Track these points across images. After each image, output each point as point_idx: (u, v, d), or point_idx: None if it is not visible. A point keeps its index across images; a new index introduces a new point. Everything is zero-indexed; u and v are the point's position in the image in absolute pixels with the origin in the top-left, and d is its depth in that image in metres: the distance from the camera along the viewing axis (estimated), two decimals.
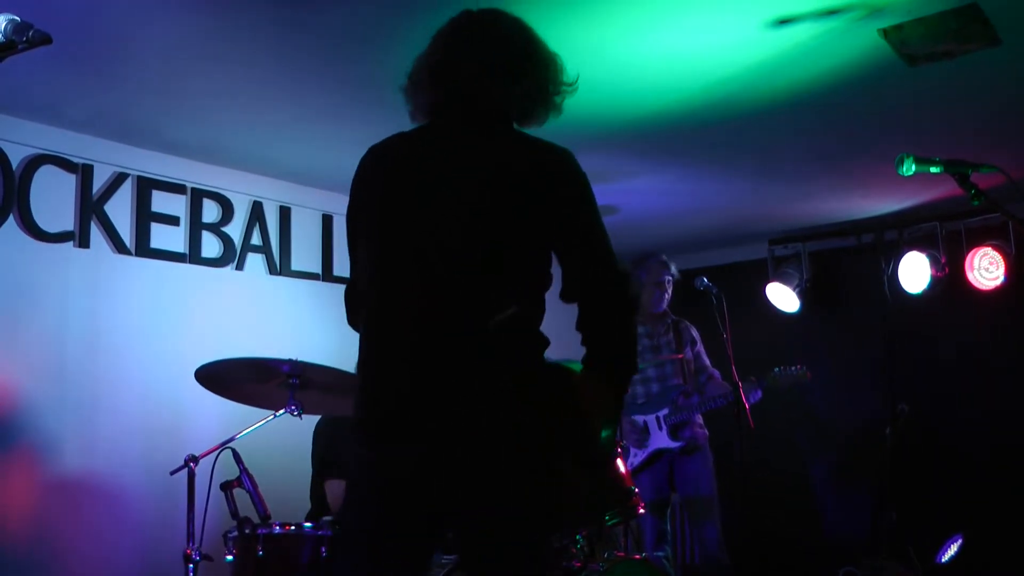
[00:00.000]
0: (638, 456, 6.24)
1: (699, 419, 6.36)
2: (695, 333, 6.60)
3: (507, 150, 2.73)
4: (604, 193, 6.75)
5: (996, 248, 7.06)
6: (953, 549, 6.77)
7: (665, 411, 6.20)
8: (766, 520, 7.06)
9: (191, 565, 4.30)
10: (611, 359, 2.71)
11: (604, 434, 2.78)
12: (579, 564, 4.75)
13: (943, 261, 7.31)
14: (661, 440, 6.22)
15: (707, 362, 6.57)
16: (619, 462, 5.03)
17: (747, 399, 6.03)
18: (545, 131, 5.28)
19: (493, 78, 2.75)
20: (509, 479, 2.58)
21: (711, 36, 4.33)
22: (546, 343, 2.73)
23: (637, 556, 4.97)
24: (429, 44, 2.84)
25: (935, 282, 7.30)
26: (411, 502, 2.61)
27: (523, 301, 2.67)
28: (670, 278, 6.43)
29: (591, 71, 4.66)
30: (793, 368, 6.21)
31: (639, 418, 6.27)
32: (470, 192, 2.63)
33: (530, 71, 2.82)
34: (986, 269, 7.13)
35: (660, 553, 6.16)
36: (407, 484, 2.60)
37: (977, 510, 7.08)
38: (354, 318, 2.89)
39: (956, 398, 7.44)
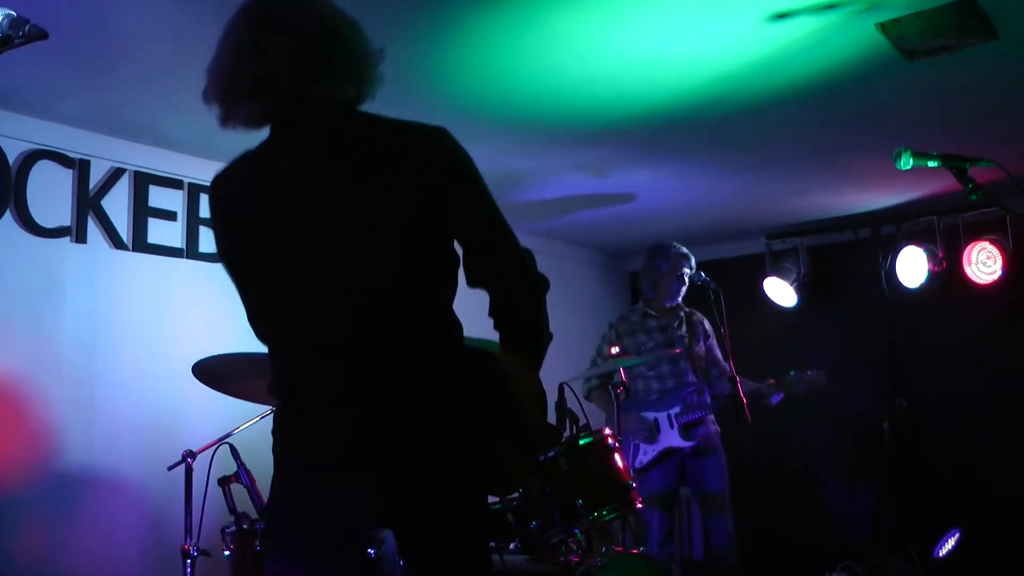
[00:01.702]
0: (647, 454, 6.19)
1: (712, 416, 6.30)
2: (708, 327, 6.54)
3: (374, 141, 2.54)
4: (601, 187, 6.78)
5: (994, 243, 7.08)
6: (950, 543, 6.80)
7: (676, 409, 6.12)
8: (765, 515, 7.08)
9: (189, 560, 4.32)
10: (529, 342, 2.64)
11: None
12: (577, 559, 4.76)
13: (940, 255, 7.33)
14: (672, 439, 6.14)
15: (719, 356, 6.50)
16: (617, 456, 5.04)
17: (770, 401, 6.05)
18: (543, 126, 5.30)
19: (328, 74, 2.53)
20: (451, 477, 2.51)
21: (709, 31, 4.32)
22: (462, 329, 2.65)
23: (635, 551, 4.96)
24: (228, 45, 2.61)
25: (932, 276, 7.32)
26: (346, 505, 2.51)
27: (442, 292, 2.60)
28: (689, 271, 6.35)
29: (589, 66, 4.68)
30: (810, 372, 6.14)
31: (649, 415, 6.20)
32: (356, 198, 2.48)
33: (352, 53, 2.58)
34: (984, 263, 7.15)
35: (665, 550, 6.14)
36: (342, 485, 2.50)
37: (975, 505, 7.10)
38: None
39: (954, 392, 7.46)
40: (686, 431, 6.09)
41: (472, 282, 2.61)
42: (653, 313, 6.06)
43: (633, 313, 6.50)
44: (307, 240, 2.49)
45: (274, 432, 2.61)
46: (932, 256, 7.31)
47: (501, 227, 2.60)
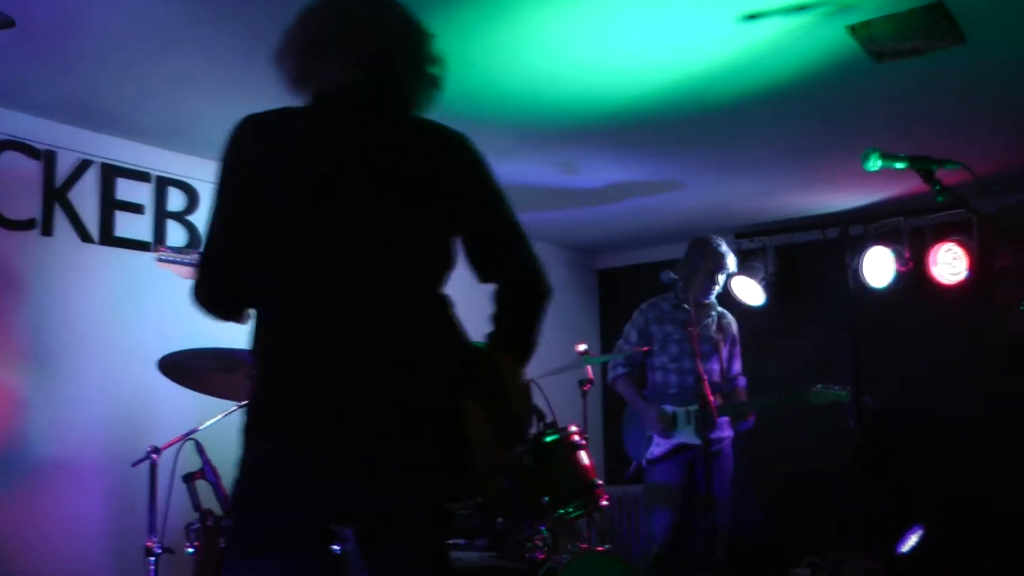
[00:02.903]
0: (660, 447, 6.16)
1: (727, 420, 6.26)
2: (735, 331, 6.48)
3: (409, 135, 2.66)
4: (571, 184, 6.77)
5: (959, 243, 7.11)
6: (913, 540, 6.83)
7: (695, 406, 5.85)
8: (743, 513, 7.08)
9: (152, 558, 4.29)
10: (523, 339, 2.73)
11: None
12: (543, 556, 4.76)
13: (907, 256, 7.36)
14: (687, 435, 6.09)
15: (739, 367, 6.46)
16: (583, 453, 5.04)
17: (740, 426, 6.05)
18: (513, 123, 5.30)
19: (406, 62, 2.67)
20: (426, 477, 2.53)
21: (681, 31, 4.33)
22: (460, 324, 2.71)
23: (601, 548, 4.97)
24: (335, 7, 2.67)
25: (899, 276, 7.35)
26: (318, 496, 2.47)
27: (439, 283, 2.65)
28: (726, 271, 6.26)
29: (559, 64, 4.69)
30: (835, 387, 6.08)
31: (668, 408, 6.15)
32: (380, 181, 2.54)
33: (427, 57, 2.72)
34: (949, 264, 7.19)
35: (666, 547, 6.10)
36: (326, 480, 2.46)
37: (939, 502, 7.14)
38: (215, 292, 2.72)
39: (920, 391, 7.49)
40: (702, 430, 6.01)
41: (486, 277, 2.72)
42: (686, 306, 5.75)
43: (665, 301, 6.35)
44: (333, 209, 2.51)
45: (251, 412, 2.56)
46: (899, 256, 7.34)
47: (519, 228, 2.77)
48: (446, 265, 2.66)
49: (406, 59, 2.68)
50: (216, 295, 2.72)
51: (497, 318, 2.73)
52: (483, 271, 2.73)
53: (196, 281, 2.72)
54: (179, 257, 4.03)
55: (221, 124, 2.60)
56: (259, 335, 2.58)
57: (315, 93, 2.63)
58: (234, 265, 2.62)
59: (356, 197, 2.52)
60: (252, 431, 2.52)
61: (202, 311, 2.75)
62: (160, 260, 4.02)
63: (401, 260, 2.55)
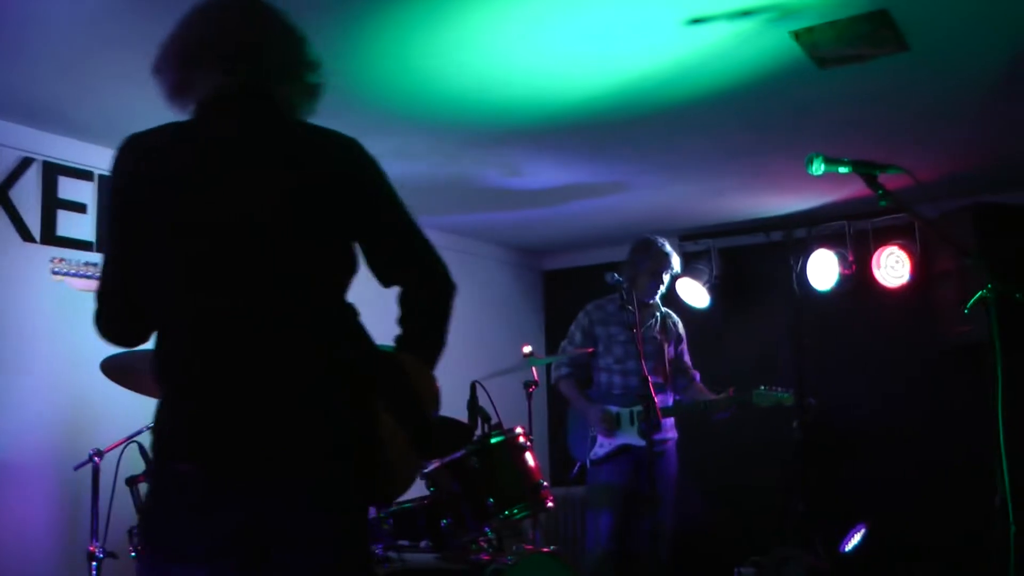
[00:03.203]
0: (604, 447, 6.18)
1: (671, 421, 6.31)
2: (682, 330, 6.55)
3: (299, 141, 2.61)
4: (515, 186, 6.78)
5: (902, 247, 7.21)
6: (856, 538, 6.91)
7: (640, 408, 5.87)
8: (677, 511, 7.10)
9: (95, 563, 4.25)
10: (430, 341, 2.73)
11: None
12: (487, 557, 4.77)
13: (850, 259, 7.44)
14: (630, 436, 6.12)
15: (688, 361, 6.52)
16: (528, 455, 5.05)
17: (716, 416, 6.07)
18: (456, 125, 5.29)
19: (287, 68, 2.66)
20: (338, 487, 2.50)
21: (626, 34, 4.34)
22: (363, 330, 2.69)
23: (546, 549, 4.98)
24: (204, 15, 2.64)
25: (843, 279, 7.43)
26: (235, 517, 2.43)
27: (342, 288, 2.63)
28: (670, 271, 6.31)
29: (503, 65, 4.69)
30: (778, 389, 6.13)
31: (613, 408, 6.18)
32: (273, 192, 2.50)
33: (307, 63, 2.71)
34: (892, 267, 7.28)
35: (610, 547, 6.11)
36: (235, 499, 2.43)
37: (882, 501, 7.23)
38: (114, 329, 2.66)
39: (863, 392, 7.59)
40: (646, 431, 5.99)
41: (391, 278, 2.71)
42: (631, 307, 5.68)
43: (610, 303, 6.38)
44: (212, 224, 2.47)
45: (156, 433, 2.52)
46: (842, 259, 7.42)
47: (417, 229, 2.73)
48: (348, 271, 2.64)
49: (287, 65, 2.66)
50: (118, 331, 2.67)
51: (404, 320, 2.72)
52: (385, 274, 2.72)
53: (97, 313, 2.65)
54: (76, 270, 4.01)
55: (165, 122, 2.59)
56: (160, 356, 2.53)
57: (198, 103, 2.59)
58: (133, 297, 2.58)
59: (249, 210, 2.48)
60: (159, 452, 2.50)
61: (108, 343, 2.71)
62: (55, 273, 4.01)
63: (301, 271, 2.52)
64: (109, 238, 2.64)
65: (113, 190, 2.56)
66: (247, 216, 2.47)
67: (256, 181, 2.50)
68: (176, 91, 2.60)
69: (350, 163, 2.62)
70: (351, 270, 2.64)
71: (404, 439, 2.65)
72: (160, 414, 2.51)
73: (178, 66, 2.58)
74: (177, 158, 2.53)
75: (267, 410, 2.43)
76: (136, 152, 2.56)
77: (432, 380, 2.75)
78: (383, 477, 2.62)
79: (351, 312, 2.64)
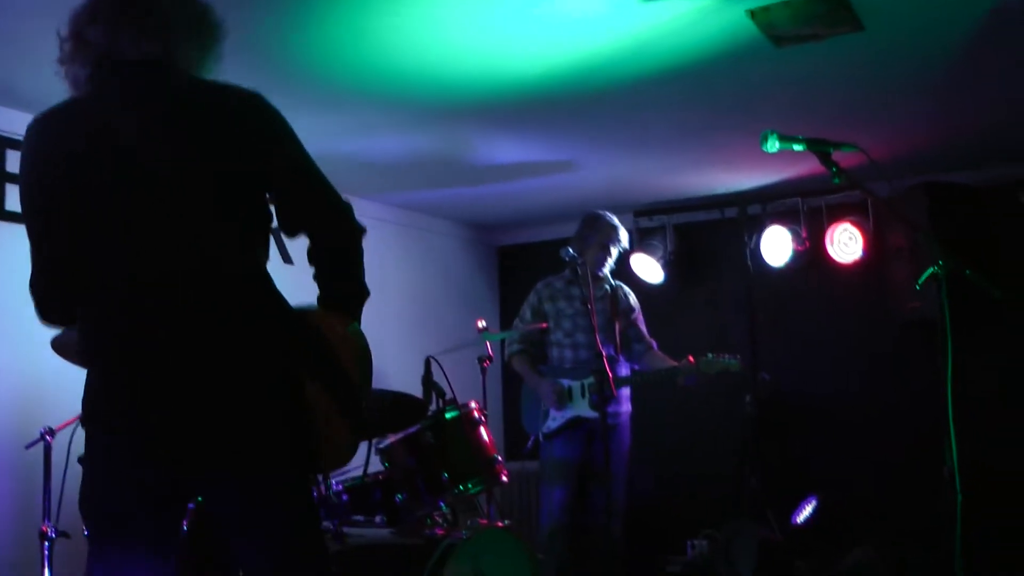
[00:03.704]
0: (556, 420, 6.19)
1: (625, 393, 6.33)
2: (634, 301, 6.56)
3: (202, 99, 2.61)
4: (468, 161, 6.78)
5: (855, 224, 7.28)
6: (808, 510, 7.00)
7: (591, 380, 5.96)
8: (630, 486, 7.15)
9: (47, 542, 4.22)
10: (349, 293, 2.74)
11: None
12: (442, 532, 4.79)
13: (804, 236, 7.49)
14: (582, 408, 6.13)
15: (645, 331, 6.53)
16: (483, 430, 5.07)
17: (684, 381, 6.08)
18: (409, 100, 5.26)
19: (189, 32, 2.68)
20: (267, 439, 2.53)
21: (581, 9, 4.33)
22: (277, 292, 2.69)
23: (500, 524, 5.01)
24: None
25: (796, 256, 7.49)
26: (165, 480, 2.54)
27: (258, 250, 2.65)
28: (617, 245, 6.34)
29: (456, 40, 4.67)
30: (725, 356, 6.08)
31: (564, 382, 6.19)
32: (180, 151, 2.53)
33: (209, 26, 2.73)
34: (845, 244, 7.35)
35: (563, 521, 6.14)
36: (155, 461, 2.51)
37: (834, 474, 7.32)
38: (49, 309, 2.75)
39: (816, 367, 7.67)
40: (597, 403, 5.90)
41: (295, 228, 2.70)
42: (582, 282, 5.74)
43: (559, 279, 6.43)
44: (124, 191, 2.51)
45: (84, 401, 2.62)
46: (796, 236, 7.48)
47: (320, 177, 2.72)
48: (260, 226, 2.65)
49: (186, 26, 2.67)
50: (49, 311, 2.75)
51: (319, 275, 2.72)
52: (290, 223, 2.71)
53: (33, 297, 2.73)
54: None
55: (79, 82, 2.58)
56: (83, 329, 2.61)
57: (95, 68, 2.60)
58: (56, 276, 2.65)
59: (158, 172, 2.51)
60: (88, 422, 2.61)
61: (45, 324, 2.80)
62: None
63: (213, 231, 2.55)
64: (26, 222, 2.67)
65: (21, 174, 2.63)
66: (152, 179, 2.50)
67: (157, 143, 2.53)
68: (77, 59, 2.61)
69: (250, 114, 2.62)
70: (265, 224, 2.66)
71: (329, 403, 2.66)
72: (87, 386, 2.61)
73: (78, 33, 2.61)
74: (75, 132, 2.58)
75: (187, 377, 2.47)
76: (37, 133, 2.63)
77: (356, 335, 2.75)
78: (313, 443, 2.63)
79: (264, 276, 2.64)
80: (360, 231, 2.75)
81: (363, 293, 2.75)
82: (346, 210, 2.73)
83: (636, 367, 6.39)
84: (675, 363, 6.18)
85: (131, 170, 2.49)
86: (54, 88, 2.52)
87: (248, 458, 2.51)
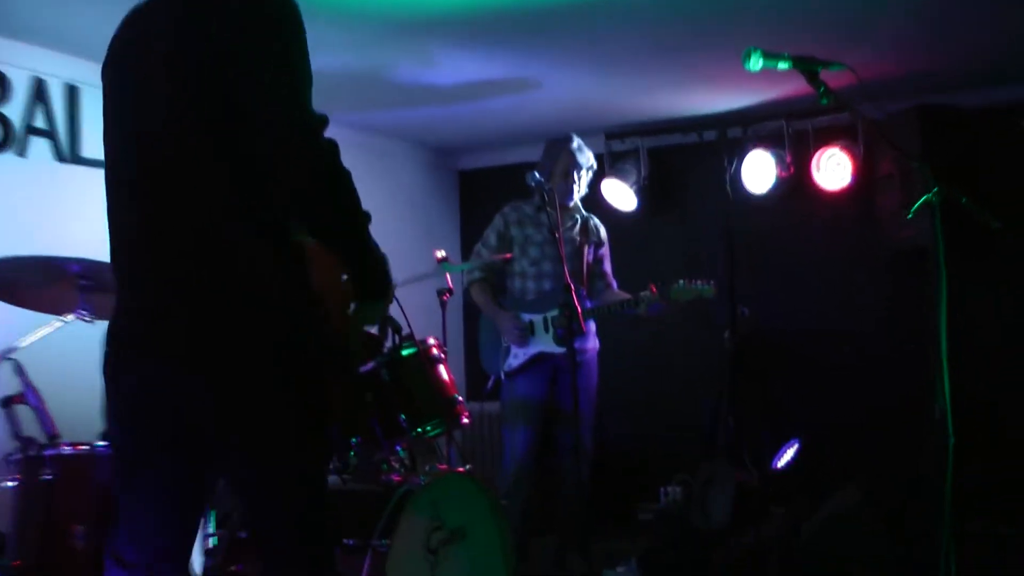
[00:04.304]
0: (518, 358, 6.18)
1: (592, 327, 6.30)
2: (604, 235, 6.53)
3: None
4: (427, 79, 6.71)
5: (844, 148, 7.24)
6: (789, 454, 7.03)
7: (555, 312, 6.03)
8: (602, 428, 7.18)
9: None
10: (334, 230, 2.63)
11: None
12: (399, 478, 4.77)
13: (789, 161, 7.47)
14: (546, 343, 6.13)
15: (608, 268, 6.51)
16: (442, 368, 5.05)
17: (648, 311, 6.04)
18: (367, 13, 5.20)
19: None
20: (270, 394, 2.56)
21: None
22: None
23: (461, 469, 5.00)
24: None
25: (780, 182, 7.46)
26: (167, 416, 2.57)
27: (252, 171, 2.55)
28: (584, 169, 6.28)
29: None
30: (699, 282, 6.04)
31: (525, 316, 6.18)
32: (166, 61, 2.55)
33: None
34: (833, 170, 7.31)
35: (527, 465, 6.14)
36: (162, 397, 2.56)
37: (815, 416, 7.34)
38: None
39: (798, 302, 7.67)
40: (562, 338, 5.97)
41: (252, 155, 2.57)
42: (550, 209, 5.57)
43: (528, 204, 6.39)
44: (140, 114, 2.60)
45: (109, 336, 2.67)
46: (780, 161, 7.44)
47: (293, 84, 2.58)
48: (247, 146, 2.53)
49: None
50: None
51: (296, 206, 2.61)
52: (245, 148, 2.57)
53: None
54: None
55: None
56: (111, 250, 2.71)
57: None
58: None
59: (146, 88, 2.59)
60: (107, 344, 2.65)
61: None
62: None
63: (205, 156, 2.53)
64: None
65: None
66: (142, 91, 2.59)
67: (151, 56, 2.59)
68: None
69: (246, 15, 2.54)
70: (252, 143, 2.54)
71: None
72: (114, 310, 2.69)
73: None
74: (119, 35, 2.73)
75: (192, 312, 2.51)
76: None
77: (335, 277, 2.72)
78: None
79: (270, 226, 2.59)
80: (325, 152, 2.56)
81: (356, 223, 2.66)
82: (307, 136, 2.54)
83: (589, 304, 6.30)
84: (631, 294, 6.18)
85: (129, 81, 2.63)
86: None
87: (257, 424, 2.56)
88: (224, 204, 2.51)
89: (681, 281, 6.02)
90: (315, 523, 2.63)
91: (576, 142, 6.30)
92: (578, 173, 6.28)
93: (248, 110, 2.49)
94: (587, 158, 6.33)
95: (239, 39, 2.50)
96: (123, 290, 2.64)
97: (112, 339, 2.63)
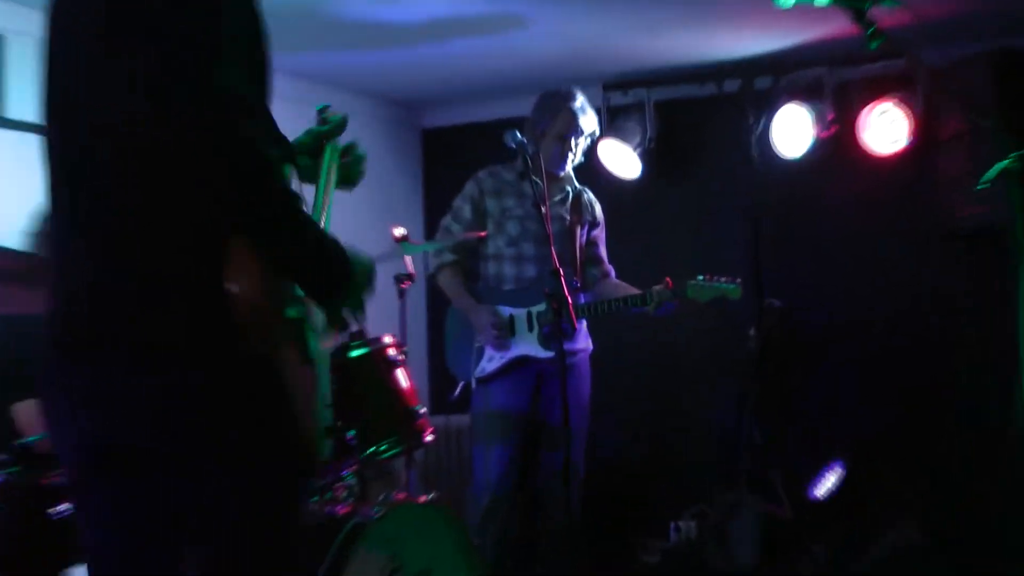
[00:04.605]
0: (493, 361, 6.12)
1: (584, 325, 6.25)
2: (599, 212, 6.49)
3: None
4: (384, 15, 6.69)
5: (898, 103, 7.21)
6: (832, 480, 7.02)
7: (541, 306, 5.94)
8: (593, 449, 7.19)
9: None
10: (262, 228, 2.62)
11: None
12: (347, 509, 4.78)
13: (830, 118, 7.46)
14: (529, 345, 6.08)
15: (603, 253, 6.48)
16: (400, 373, 5.05)
17: (659, 309, 6.00)
18: None
19: None
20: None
21: None
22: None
23: (423, 497, 5.02)
24: None
25: (819, 144, 7.46)
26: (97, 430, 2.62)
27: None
28: (584, 136, 6.24)
29: None
30: (721, 279, 5.92)
31: (504, 310, 6.13)
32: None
33: None
34: (885, 129, 7.29)
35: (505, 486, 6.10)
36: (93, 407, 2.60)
37: (862, 430, 7.35)
38: None
39: (840, 291, 7.67)
40: (549, 338, 5.94)
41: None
42: (535, 177, 5.53)
43: (507, 170, 6.32)
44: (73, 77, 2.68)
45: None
46: (819, 118, 7.43)
47: (228, 62, 2.54)
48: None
49: None
50: None
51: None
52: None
53: None
54: None
55: None
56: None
57: None
58: None
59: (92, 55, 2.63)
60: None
61: None
62: None
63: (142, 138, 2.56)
64: None
65: None
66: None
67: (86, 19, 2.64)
68: None
69: None
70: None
71: None
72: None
73: None
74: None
75: (114, 311, 2.57)
76: None
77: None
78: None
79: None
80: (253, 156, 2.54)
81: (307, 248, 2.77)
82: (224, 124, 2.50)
83: (583, 298, 6.26)
84: (639, 292, 6.09)
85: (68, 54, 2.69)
86: None
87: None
88: (142, 200, 2.57)
89: (700, 277, 5.93)
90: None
91: (580, 100, 6.23)
92: (576, 139, 6.24)
93: (167, 91, 2.52)
94: (590, 122, 6.27)
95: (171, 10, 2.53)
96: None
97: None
